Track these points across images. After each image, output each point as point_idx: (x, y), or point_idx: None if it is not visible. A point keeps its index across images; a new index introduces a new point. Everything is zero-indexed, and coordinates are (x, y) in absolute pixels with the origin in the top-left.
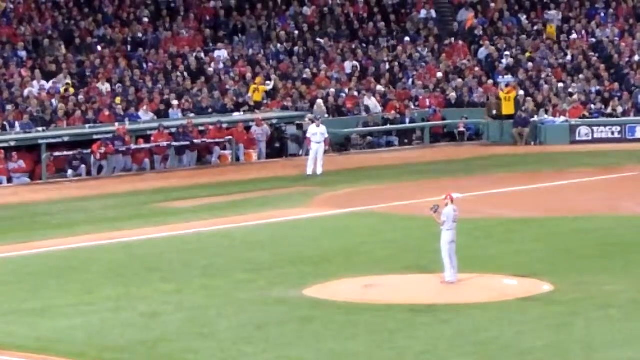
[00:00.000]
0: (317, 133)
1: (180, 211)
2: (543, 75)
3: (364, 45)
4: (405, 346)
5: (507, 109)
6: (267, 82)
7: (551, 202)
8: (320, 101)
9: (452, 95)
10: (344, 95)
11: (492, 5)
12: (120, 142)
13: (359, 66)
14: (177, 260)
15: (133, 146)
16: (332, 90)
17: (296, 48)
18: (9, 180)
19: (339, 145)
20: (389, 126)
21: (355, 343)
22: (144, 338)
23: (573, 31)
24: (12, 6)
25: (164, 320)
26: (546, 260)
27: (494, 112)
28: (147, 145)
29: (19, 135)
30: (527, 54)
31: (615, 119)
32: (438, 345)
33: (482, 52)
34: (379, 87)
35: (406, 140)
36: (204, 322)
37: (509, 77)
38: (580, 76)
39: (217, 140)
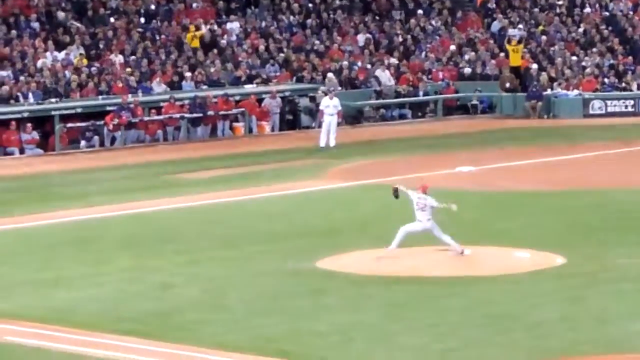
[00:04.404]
0: (330, 105)
1: (193, 183)
2: (556, 49)
3: (377, 18)
4: (416, 318)
5: (515, 60)
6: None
7: (564, 176)
8: (331, 74)
9: (467, 69)
10: (356, 67)
11: None
12: (128, 113)
13: (372, 39)
14: (191, 231)
15: (145, 118)
16: (345, 62)
17: (309, 20)
18: (22, 151)
19: (351, 117)
20: (402, 99)
21: (367, 315)
22: (158, 309)
23: (586, 4)
24: None
25: (177, 291)
26: (559, 234)
27: (508, 85)
28: (159, 117)
29: (32, 106)
30: (540, 28)
31: (628, 92)
32: (449, 318)
33: (495, 25)
34: (392, 60)
35: (419, 113)
36: (218, 294)
37: (516, 31)
38: (594, 50)
39: (229, 112)
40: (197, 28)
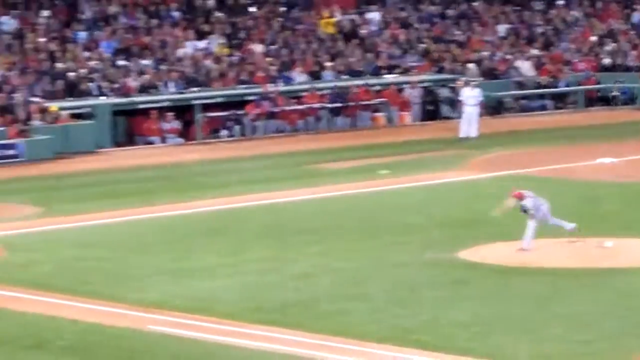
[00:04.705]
0: (471, 96)
1: (332, 173)
2: None
3: (518, 8)
4: (557, 310)
5: None
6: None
7: None
8: (472, 64)
9: (607, 60)
10: (497, 58)
11: None
12: (269, 102)
13: (512, 29)
14: (328, 221)
15: (286, 107)
16: (486, 53)
17: (449, 11)
18: (163, 140)
19: (491, 108)
20: (542, 89)
21: (508, 306)
22: (296, 299)
23: None
24: None
25: (314, 281)
26: None
27: None
28: (300, 107)
29: (173, 95)
30: None
31: None
32: (591, 309)
33: (636, 16)
34: (533, 51)
35: (560, 104)
36: (356, 284)
37: None
38: None
39: (371, 102)
40: (331, 16)
